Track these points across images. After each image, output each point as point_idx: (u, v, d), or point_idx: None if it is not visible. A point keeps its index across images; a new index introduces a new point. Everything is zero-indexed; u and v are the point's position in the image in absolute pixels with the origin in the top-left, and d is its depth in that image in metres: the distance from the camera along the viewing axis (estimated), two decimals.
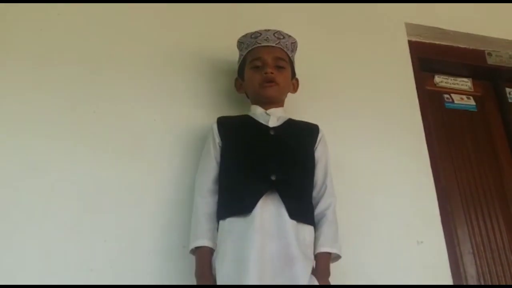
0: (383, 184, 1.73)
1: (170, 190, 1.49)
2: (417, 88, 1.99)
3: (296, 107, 1.65)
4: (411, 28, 2.12)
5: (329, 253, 1.34)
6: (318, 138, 1.51)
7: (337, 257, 1.37)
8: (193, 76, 1.70)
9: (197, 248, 1.32)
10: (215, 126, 1.48)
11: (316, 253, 1.33)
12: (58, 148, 1.47)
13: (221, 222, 1.33)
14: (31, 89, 1.53)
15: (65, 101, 1.54)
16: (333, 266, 1.43)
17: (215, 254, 1.30)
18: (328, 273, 1.32)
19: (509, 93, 2.30)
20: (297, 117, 1.54)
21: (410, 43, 2.10)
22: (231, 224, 1.31)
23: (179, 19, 1.79)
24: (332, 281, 1.33)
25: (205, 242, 1.32)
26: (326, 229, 1.36)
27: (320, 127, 1.54)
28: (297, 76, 1.62)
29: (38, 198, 1.40)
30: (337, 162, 1.69)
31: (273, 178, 1.33)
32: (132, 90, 1.62)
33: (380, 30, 2.06)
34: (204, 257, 1.31)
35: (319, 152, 1.48)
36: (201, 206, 1.37)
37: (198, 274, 1.30)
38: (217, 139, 1.45)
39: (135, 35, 1.70)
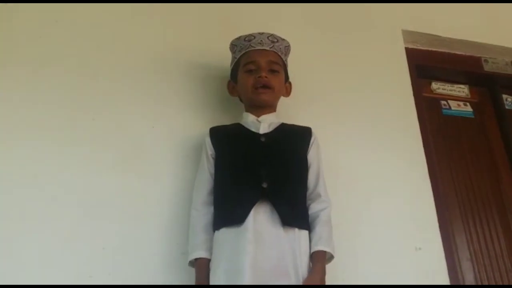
0: (381, 191, 1.73)
1: (169, 197, 1.49)
2: (414, 94, 1.99)
3: (294, 113, 1.65)
4: (408, 35, 2.13)
5: (324, 252, 1.32)
6: (311, 142, 1.49)
7: (331, 257, 1.35)
8: (192, 82, 1.70)
9: (196, 260, 1.33)
10: (207, 139, 1.48)
11: (311, 252, 1.31)
12: (57, 155, 1.47)
13: (216, 232, 1.33)
14: (29, 96, 1.53)
15: (64, 108, 1.54)
16: (331, 272, 1.43)
17: (211, 264, 1.31)
18: (323, 271, 1.30)
19: (506, 100, 2.31)
20: (294, 122, 1.54)
21: (407, 50, 2.11)
22: (224, 234, 1.31)
23: (177, 25, 1.80)
24: None
25: (201, 253, 1.32)
26: (319, 228, 1.35)
27: (312, 130, 1.52)
28: (294, 81, 1.62)
29: (37, 205, 1.40)
30: (335, 169, 1.69)
31: (264, 186, 1.33)
32: (131, 97, 1.62)
33: (377, 37, 2.07)
34: (201, 268, 1.31)
35: (311, 156, 1.47)
36: (196, 219, 1.38)
37: (197, 284, 1.31)
38: (210, 151, 1.46)
39: (133, 42, 1.71)
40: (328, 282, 1.40)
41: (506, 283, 1.90)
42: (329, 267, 1.41)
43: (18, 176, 1.42)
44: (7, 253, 1.33)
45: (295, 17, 1.97)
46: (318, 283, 1.26)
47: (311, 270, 1.28)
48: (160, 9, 1.79)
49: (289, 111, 1.64)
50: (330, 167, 1.68)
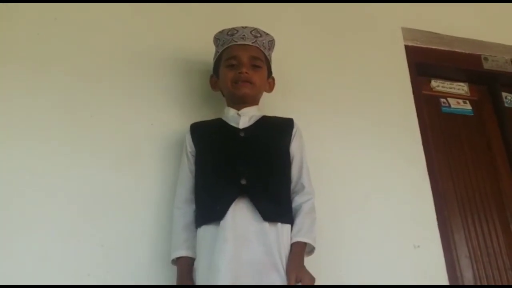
0: (380, 189, 1.73)
1: (168, 194, 1.48)
2: (413, 92, 1.99)
3: (291, 110, 1.64)
4: (407, 32, 2.12)
5: (304, 243, 1.30)
6: (293, 133, 1.46)
7: (312, 249, 1.33)
8: (192, 80, 1.70)
9: (177, 258, 1.33)
10: (188, 135, 1.47)
11: (290, 244, 1.29)
12: (55, 152, 1.47)
13: (198, 230, 1.33)
14: (28, 93, 1.53)
15: (62, 106, 1.54)
16: (329, 271, 1.43)
17: (195, 262, 1.31)
18: (302, 262, 1.28)
19: (505, 98, 2.30)
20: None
21: (407, 47, 2.11)
22: (205, 232, 1.30)
23: (176, 22, 1.79)
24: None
25: (182, 252, 1.32)
26: (300, 220, 1.33)
27: (294, 120, 1.49)
28: (294, 79, 1.62)
29: (35, 202, 1.40)
30: (334, 166, 1.70)
31: (243, 182, 1.31)
32: (130, 94, 1.61)
33: (376, 35, 2.06)
34: (182, 267, 1.31)
35: (294, 148, 1.44)
36: (177, 218, 1.38)
37: (178, 283, 1.31)
38: (189, 148, 1.45)
39: (132, 40, 1.70)
40: (325, 281, 1.41)
41: (504, 280, 1.91)
42: (327, 265, 1.42)
43: (16, 174, 1.41)
44: (5, 252, 1.33)
45: (293, 16, 1.96)
46: (294, 271, 1.23)
47: (287, 261, 1.26)
48: (157, 9, 1.78)
49: (286, 108, 1.63)
50: (329, 164, 1.69)
